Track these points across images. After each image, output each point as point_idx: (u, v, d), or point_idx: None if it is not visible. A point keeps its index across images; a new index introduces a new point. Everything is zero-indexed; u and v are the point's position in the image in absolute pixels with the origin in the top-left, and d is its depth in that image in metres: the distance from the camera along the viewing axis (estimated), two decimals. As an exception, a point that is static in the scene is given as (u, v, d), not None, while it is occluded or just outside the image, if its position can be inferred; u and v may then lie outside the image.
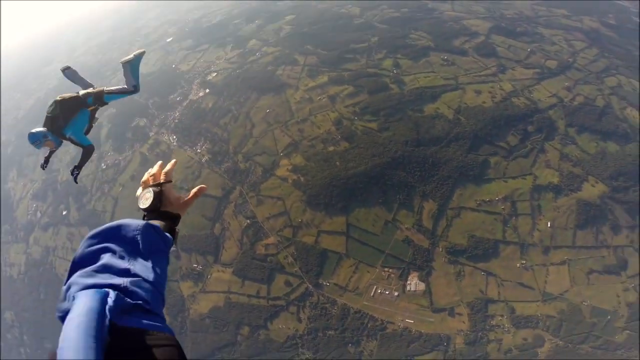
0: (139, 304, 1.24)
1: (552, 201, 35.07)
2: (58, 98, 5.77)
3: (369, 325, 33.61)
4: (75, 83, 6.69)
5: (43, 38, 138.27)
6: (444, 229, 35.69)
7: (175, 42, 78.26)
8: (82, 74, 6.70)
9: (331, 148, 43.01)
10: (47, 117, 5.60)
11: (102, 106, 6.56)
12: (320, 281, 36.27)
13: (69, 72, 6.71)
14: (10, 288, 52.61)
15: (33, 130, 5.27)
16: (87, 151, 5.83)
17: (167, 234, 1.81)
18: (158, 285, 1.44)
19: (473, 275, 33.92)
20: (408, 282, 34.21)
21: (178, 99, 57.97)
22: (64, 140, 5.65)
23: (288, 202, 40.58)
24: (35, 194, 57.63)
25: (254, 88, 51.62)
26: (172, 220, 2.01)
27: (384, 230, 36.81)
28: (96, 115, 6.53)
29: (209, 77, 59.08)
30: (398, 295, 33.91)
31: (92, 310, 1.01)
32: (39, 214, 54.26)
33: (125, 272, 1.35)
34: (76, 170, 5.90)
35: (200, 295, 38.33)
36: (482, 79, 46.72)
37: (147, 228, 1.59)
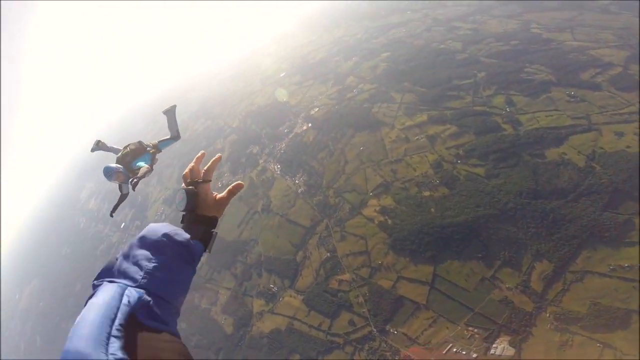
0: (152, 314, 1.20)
1: None
2: (127, 144, 7.77)
3: None
4: (108, 152, 8.75)
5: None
6: (557, 293, 28.47)
7: (287, 77, 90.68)
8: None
9: (427, 193, 40.03)
10: (118, 157, 7.32)
11: (158, 152, 8.74)
12: (388, 328, 33.39)
13: (100, 146, 8.61)
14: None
15: (109, 165, 6.76)
16: (146, 170, 7.24)
17: (196, 243, 1.70)
18: (174, 300, 1.38)
19: (583, 346, 26.22)
20: (494, 345, 28.33)
21: (285, 130, 66.27)
22: (130, 173, 7.15)
23: (371, 242, 39.64)
24: (165, 199, 75.63)
25: (350, 125, 54.01)
26: (209, 223, 1.90)
27: (479, 287, 31.49)
28: (156, 157, 8.50)
29: (312, 112, 65.41)
30: (476, 358, 28.33)
31: (114, 299, 1.06)
32: (163, 216, 70.66)
33: (138, 285, 1.30)
34: (136, 179, 6.98)
35: (267, 314, 40.94)
36: (625, 118, 35.78)
37: (166, 240, 1.51)
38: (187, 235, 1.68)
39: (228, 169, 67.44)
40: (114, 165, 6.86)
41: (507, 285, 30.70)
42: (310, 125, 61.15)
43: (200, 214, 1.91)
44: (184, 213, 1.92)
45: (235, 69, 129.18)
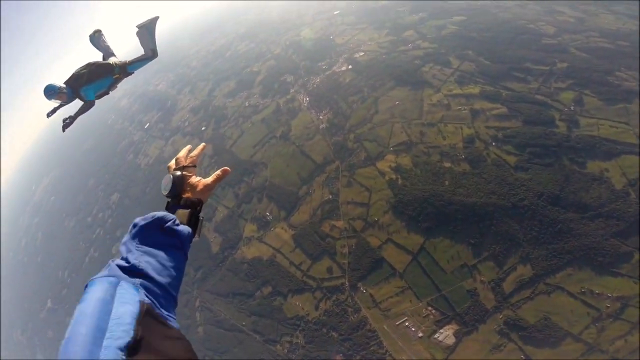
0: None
1: None
2: (92, 61, 5.81)
3: (371, 348, 30.95)
4: (98, 50, 6.41)
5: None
6: (521, 300, 28.93)
7: (341, 16, 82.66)
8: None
9: (447, 164, 37.69)
10: (73, 74, 5.61)
11: (126, 76, 6.42)
12: (359, 285, 34.56)
13: (96, 37, 6.36)
14: (131, 173, 71.34)
15: (52, 83, 5.30)
16: (86, 105, 5.68)
17: (184, 227, 1.62)
18: (169, 286, 1.34)
19: (511, 354, 27.71)
20: (441, 330, 29.84)
21: (324, 67, 62.03)
22: (76, 97, 5.60)
23: (374, 197, 38.80)
24: (192, 108, 75.15)
25: (392, 76, 49.49)
26: (194, 207, 1.82)
27: (456, 272, 31.62)
28: (117, 86, 6.47)
29: (356, 55, 60.28)
30: (421, 337, 30.08)
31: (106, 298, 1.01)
32: (186, 123, 70.79)
33: (134, 273, 1.26)
34: (69, 119, 5.63)
35: (255, 241, 42.20)
36: None
37: (152, 225, 1.48)
38: (174, 218, 1.61)
39: (259, 92, 65.20)
40: (57, 84, 5.36)
41: (482, 278, 30.69)
42: (350, 67, 56.51)
43: (186, 198, 1.83)
44: (169, 198, 1.84)
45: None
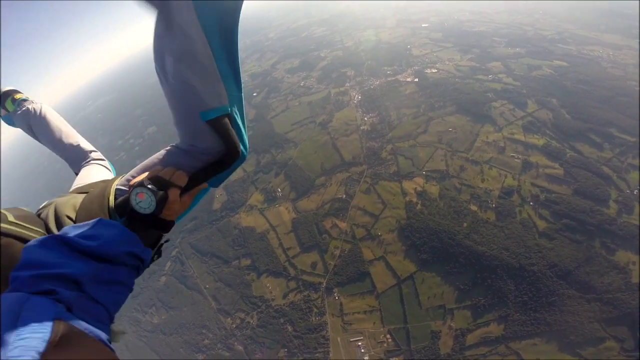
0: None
1: None
2: None
3: (317, 355, 33.80)
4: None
5: None
6: (475, 355, 30.84)
7: (428, 30, 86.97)
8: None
9: (474, 207, 39.33)
10: None
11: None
12: (335, 291, 37.60)
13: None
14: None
15: None
16: None
17: (148, 255, 1.56)
18: (110, 308, 1.28)
19: None
20: None
21: (388, 72, 66.75)
22: None
23: (387, 212, 41.81)
24: (253, 73, 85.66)
25: (457, 102, 51.93)
26: (165, 228, 1.74)
27: (431, 310, 33.92)
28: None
29: (428, 70, 63.70)
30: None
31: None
32: (242, 86, 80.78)
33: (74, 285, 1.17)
34: None
35: (255, 212, 47.15)
36: None
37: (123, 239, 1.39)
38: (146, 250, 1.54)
39: (317, 76, 72.55)
40: None
41: (452, 324, 32.82)
42: (416, 80, 60.03)
43: (160, 219, 1.69)
44: (141, 214, 1.60)
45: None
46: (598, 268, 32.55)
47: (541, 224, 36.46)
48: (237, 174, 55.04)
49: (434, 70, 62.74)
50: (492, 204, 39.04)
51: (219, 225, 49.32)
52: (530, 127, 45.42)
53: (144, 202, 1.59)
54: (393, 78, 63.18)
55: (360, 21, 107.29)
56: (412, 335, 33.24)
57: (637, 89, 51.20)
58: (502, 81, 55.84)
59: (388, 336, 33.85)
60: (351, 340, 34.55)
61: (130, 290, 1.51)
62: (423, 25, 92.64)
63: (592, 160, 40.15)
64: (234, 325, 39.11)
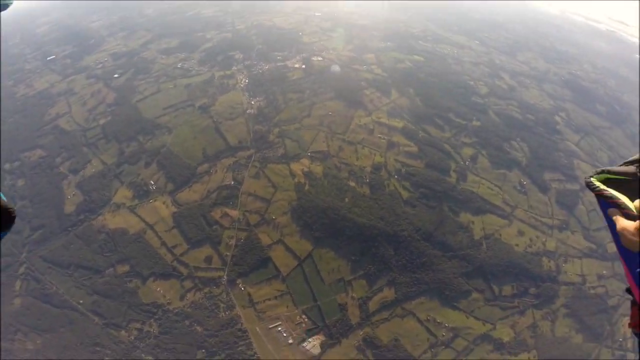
0: None
1: (487, 353, 35.64)
2: None
3: (239, 349, 33.75)
4: None
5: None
6: (381, 319, 36.31)
7: (319, 18, 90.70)
8: None
9: (352, 183, 44.36)
10: None
11: None
12: (239, 281, 37.39)
13: None
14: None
15: None
16: None
17: None
18: None
19: None
20: (310, 339, 34.79)
21: (278, 57, 67.05)
22: None
23: (278, 195, 43.01)
24: (115, 53, 73.15)
25: (336, 89, 56.64)
26: None
27: (333, 285, 37.42)
28: None
29: (314, 58, 67.09)
30: (291, 344, 34.45)
31: None
32: (100, 66, 68.34)
33: None
34: None
35: (124, 210, 41.94)
36: (537, 225, 44.02)
37: None
38: None
39: (199, 58, 66.53)
40: None
41: (353, 294, 37.21)
42: (303, 67, 62.56)
43: None
44: None
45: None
46: (449, 228, 41.42)
47: (405, 194, 44.03)
48: (95, 167, 46.58)
49: (319, 59, 66.58)
50: (366, 179, 44.88)
51: (78, 231, 41.08)
52: (393, 112, 53.79)
53: None
54: (282, 63, 64.15)
55: (257, 5, 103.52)
56: (324, 311, 36.00)
57: (470, 82, 66.83)
58: (373, 72, 63.79)
59: (304, 316, 35.76)
60: (270, 327, 35.08)
61: None
62: (316, 14, 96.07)
63: (437, 139, 50.70)
64: (132, 337, 34.81)
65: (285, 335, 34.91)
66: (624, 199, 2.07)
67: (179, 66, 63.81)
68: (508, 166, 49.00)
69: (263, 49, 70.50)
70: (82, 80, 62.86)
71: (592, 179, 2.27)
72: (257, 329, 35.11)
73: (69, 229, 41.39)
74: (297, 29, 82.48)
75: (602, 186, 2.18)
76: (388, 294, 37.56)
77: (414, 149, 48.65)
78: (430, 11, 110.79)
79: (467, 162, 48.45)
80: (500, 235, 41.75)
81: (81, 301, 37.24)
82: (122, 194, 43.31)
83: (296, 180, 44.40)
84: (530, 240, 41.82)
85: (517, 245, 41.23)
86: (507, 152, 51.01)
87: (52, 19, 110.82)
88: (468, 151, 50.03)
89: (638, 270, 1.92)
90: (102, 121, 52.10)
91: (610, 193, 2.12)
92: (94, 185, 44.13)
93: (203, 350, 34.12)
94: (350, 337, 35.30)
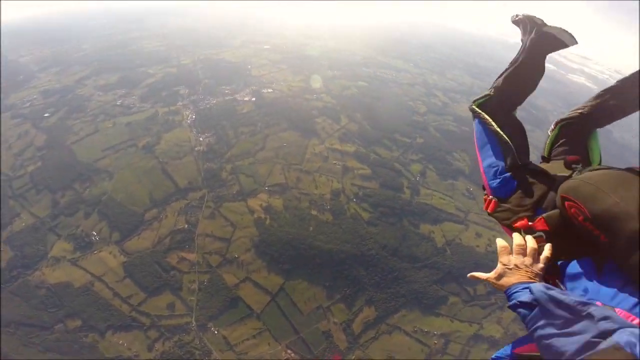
0: None
1: (484, 352, 35.69)
2: None
3: None
4: None
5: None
6: (368, 339, 35.47)
7: (269, 51, 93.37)
8: None
9: (314, 212, 44.01)
10: None
11: None
12: (209, 325, 34.49)
13: None
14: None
15: None
16: None
17: None
18: None
19: None
20: None
21: (226, 91, 66.52)
22: None
23: (238, 233, 40.88)
24: (46, 90, 67.17)
25: (288, 119, 57.30)
26: None
27: (312, 314, 36.01)
28: None
29: (264, 90, 67.73)
30: None
31: None
32: (27, 104, 62.08)
33: None
34: None
35: (65, 263, 37.48)
36: (491, 225, 46.56)
37: None
38: None
39: (140, 94, 63.30)
40: None
41: (335, 320, 36.12)
42: (254, 99, 62.59)
43: None
44: None
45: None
46: (413, 241, 42.61)
47: (365, 215, 44.71)
48: (25, 221, 40.57)
49: (270, 90, 67.42)
50: (327, 205, 44.87)
51: (12, 288, 35.02)
52: (344, 138, 55.66)
53: None
54: (231, 97, 63.56)
55: (205, 39, 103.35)
56: (308, 342, 33.98)
57: (409, 102, 72.43)
58: (323, 99, 66.17)
59: (289, 351, 33.45)
60: None
61: None
62: (265, 47, 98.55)
63: (388, 160, 53.20)
64: None
65: (273, 373, 32.22)
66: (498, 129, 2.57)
67: (118, 103, 59.78)
68: (454, 176, 52.84)
69: (210, 83, 69.61)
70: (7, 120, 55.50)
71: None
72: None
73: (1, 285, 35.19)
74: (246, 62, 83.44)
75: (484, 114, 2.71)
76: (369, 313, 37.03)
77: (368, 171, 50.32)
78: (370, 39, 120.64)
79: (417, 178, 51.33)
80: (461, 239, 43.95)
81: None
82: (61, 247, 38.23)
83: (255, 216, 42.85)
84: (489, 240, 44.26)
85: (477, 246, 43.55)
86: (450, 164, 55.20)
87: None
88: (417, 167, 53.17)
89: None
90: (30, 168, 46.05)
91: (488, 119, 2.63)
92: (25, 240, 38.67)
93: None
94: (344, 361, 33.66)
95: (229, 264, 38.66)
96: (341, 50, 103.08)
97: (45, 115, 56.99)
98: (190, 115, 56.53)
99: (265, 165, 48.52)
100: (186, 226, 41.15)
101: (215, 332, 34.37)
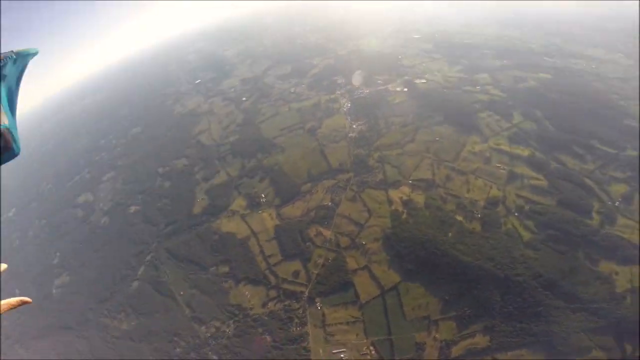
0: None
1: None
2: None
3: None
4: None
5: None
6: None
7: (419, 40, 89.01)
8: None
9: (459, 217, 39.49)
10: None
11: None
12: (317, 301, 37.23)
13: None
14: (161, 116, 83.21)
15: None
16: None
17: None
18: None
19: None
20: None
21: (379, 81, 67.68)
22: None
23: (372, 221, 41.63)
24: (244, 79, 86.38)
25: (444, 112, 52.72)
26: None
27: (415, 321, 33.75)
28: None
29: (417, 81, 64.90)
30: None
31: None
32: (232, 90, 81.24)
33: None
34: None
35: (237, 217, 46.93)
36: None
37: None
38: None
39: (307, 83, 73.26)
40: None
41: (437, 335, 32.78)
42: (406, 90, 61.01)
43: None
44: None
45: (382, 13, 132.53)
46: (583, 278, 33.01)
47: (526, 235, 36.76)
48: (222, 177, 54.82)
49: (423, 81, 63.92)
50: (478, 214, 39.28)
51: (199, 231, 48.55)
52: (516, 138, 46.28)
53: None
54: (384, 87, 64.13)
55: (355, 30, 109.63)
56: (396, 346, 32.87)
57: (620, 102, 52.81)
58: (489, 92, 57.01)
59: (372, 348, 33.38)
60: (334, 352, 33.96)
61: None
62: (415, 36, 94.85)
63: (575, 172, 40.97)
64: (209, 334, 38.35)
65: (345, 361, 32.66)
66: None
67: (292, 91, 71.71)
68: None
69: (363, 73, 72.42)
70: (219, 102, 78.03)
71: None
72: (321, 351, 34.25)
73: (193, 227, 49.23)
74: (396, 52, 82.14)
75: None
76: (480, 340, 31.94)
77: (543, 182, 40.43)
78: (549, 24, 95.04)
79: (617, 203, 37.47)
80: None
81: (182, 292, 42.93)
82: (238, 203, 49.38)
83: (393, 207, 42.26)
84: None
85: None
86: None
87: (197, 48, 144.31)
88: (619, 188, 38.73)
89: None
90: (231, 138, 62.52)
91: None
92: (218, 193, 51.94)
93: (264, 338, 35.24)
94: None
95: (355, 249, 40.01)
96: (508, 38, 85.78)
97: (243, 99, 75.24)
98: (346, 104, 60.81)
99: (413, 158, 46.78)
100: (330, 204, 44.88)
101: (319, 307, 36.71)
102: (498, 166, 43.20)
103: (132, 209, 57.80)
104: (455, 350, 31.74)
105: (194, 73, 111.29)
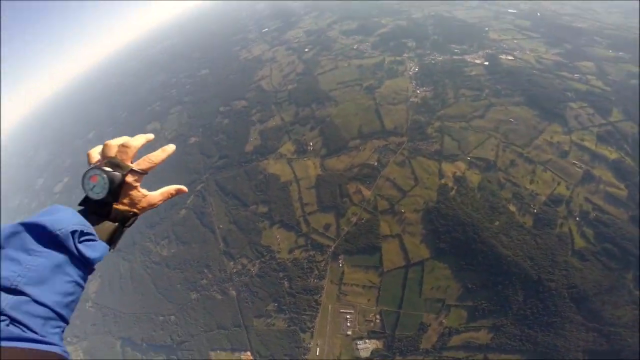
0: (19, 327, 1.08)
1: None
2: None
3: (303, 316, 35.31)
4: None
5: None
6: (451, 357, 30.72)
7: (515, 16, 77.47)
8: None
9: (512, 208, 36.07)
10: None
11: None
12: (341, 257, 37.58)
13: None
14: (228, 60, 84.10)
15: None
16: None
17: (98, 249, 1.41)
18: (56, 306, 1.23)
19: None
20: (366, 340, 33.04)
21: (456, 50, 60.69)
22: None
23: (416, 191, 39.81)
24: (308, 30, 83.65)
25: (527, 94, 46.42)
26: (124, 220, 1.60)
27: (429, 301, 33.08)
28: None
29: (502, 56, 57.39)
30: (347, 336, 33.49)
31: None
32: (296, 40, 79.24)
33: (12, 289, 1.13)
34: None
35: (283, 160, 48.00)
36: None
37: (51, 237, 1.25)
38: (92, 234, 1.39)
39: (372, 42, 68.67)
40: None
41: (443, 320, 31.91)
42: (486, 63, 54.12)
43: (118, 210, 1.55)
44: (95, 200, 1.47)
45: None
46: (617, 299, 29.33)
47: (580, 243, 32.83)
48: (275, 122, 55.79)
49: (510, 57, 56.22)
50: (534, 208, 35.45)
51: (247, 168, 50.76)
52: (606, 137, 39.54)
53: (97, 187, 1.49)
54: (460, 57, 57.82)
55: None
56: (400, 322, 32.95)
57: None
58: (589, 83, 48.55)
59: (378, 317, 33.79)
60: (341, 311, 34.89)
61: (80, 286, 1.40)
62: (510, 10, 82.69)
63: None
64: (235, 270, 41.13)
65: (348, 324, 33.91)
66: None
67: (354, 47, 68.43)
68: None
69: (439, 39, 65.71)
70: (282, 51, 78.56)
71: None
72: (330, 307, 35.15)
73: (243, 164, 51.67)
74: (483, 24, 72.44)
75: None
76: (482, 336, 30.74)
77: (623, 192, 34.75)
78: None
79: None
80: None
81: (221, 226, 45.92)
82: (287, 148, 50.73)
83: (443, 181, 39.75)
84: None
85: None
86: None
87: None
88: None
89: None
90: (289, 87, 63.47)
91: None
92: (270, 135, 53.72)
93: (275, 304, 36.97)
94: (407, 358, 31.36)
95: (392, 215, 38.78)
96: (632, 29, 70.33)
97: (305, 50, 74.51)
98: (413, 67, 56.46)
99: (477, 135, 42.78)
100: (376, 164, 43.53)
101: (340, 265, 36.96)
102: (575, 163, 37.78)
103: (192, 139, 62.48)
104: (455, 340, 30.97)
105: (262, 22, 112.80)
